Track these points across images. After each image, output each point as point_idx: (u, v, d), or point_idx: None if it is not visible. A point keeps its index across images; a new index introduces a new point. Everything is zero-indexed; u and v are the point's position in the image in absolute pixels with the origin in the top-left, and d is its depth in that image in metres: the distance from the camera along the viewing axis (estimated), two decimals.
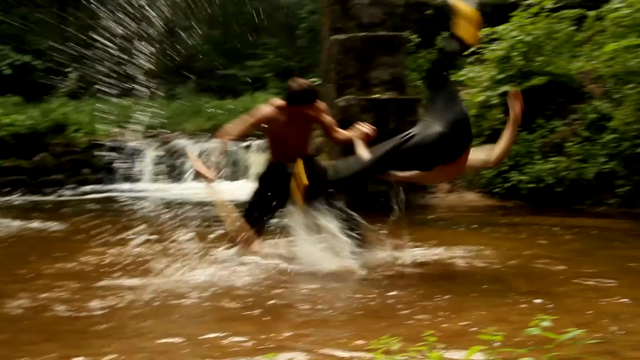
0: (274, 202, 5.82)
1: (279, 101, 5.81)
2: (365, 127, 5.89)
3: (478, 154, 5.49)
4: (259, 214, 5.80)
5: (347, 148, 9.05)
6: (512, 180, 10.47)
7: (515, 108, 5.25)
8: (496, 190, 10.77)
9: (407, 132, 5.25)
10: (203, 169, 5.70)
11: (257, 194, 5.95)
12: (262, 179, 6.03)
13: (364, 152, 5.62)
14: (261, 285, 4.85)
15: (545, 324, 2.15)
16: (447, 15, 14.14)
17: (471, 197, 11.09)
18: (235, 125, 5.83)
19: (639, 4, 9.09)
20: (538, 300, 4.37)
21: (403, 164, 5.29)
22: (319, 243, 5.91)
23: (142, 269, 5.39)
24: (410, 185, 10.52)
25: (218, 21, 22.02)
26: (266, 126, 5.79)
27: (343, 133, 6.04)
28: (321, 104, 5.90)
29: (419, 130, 5.21)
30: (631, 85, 9.93)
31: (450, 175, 5.58)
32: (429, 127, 5.16)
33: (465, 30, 5.27)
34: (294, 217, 5.77)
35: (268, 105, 5.83)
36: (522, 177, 10.35)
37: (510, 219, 8.85)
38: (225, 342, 3.50)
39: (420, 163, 5.24)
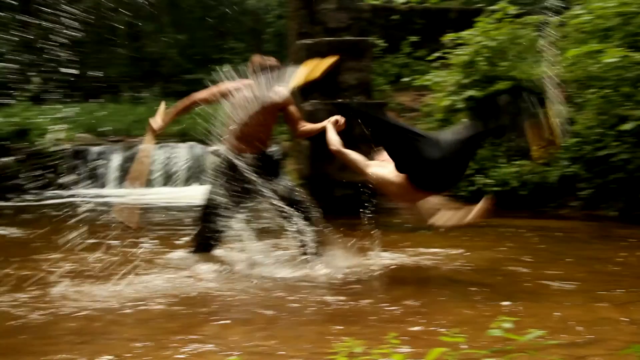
0: (231, 199, 5.75)
1: (246, 80, 5.79)
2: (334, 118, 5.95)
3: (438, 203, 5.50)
4: (217, 213, 5.74)
5: (314, 148, 9.09)
6: (477, 184, 10.56)
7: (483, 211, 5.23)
8: (461, 193, 10.85)
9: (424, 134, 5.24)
10: (155, 121, 5.87)
11: (213, 190, 5.87)
12: (218, 173, 5.92)
13: (334, 137, 5.67)
14: (225, 291, 4.82)
15: (507, 325, 2.17)
16: (412, 20, 14.19)
17: (437, 201, 11.15)
18: (201, 92, 5.90)
19: (599, 10, 9.23)
20: (504, 303, 4.41)
21: (396, 149, 5.26)
22: (275, 247, 5.94)
23: (102, 275, 5.32)
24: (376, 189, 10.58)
25: (184, 25, 21.92)
26: (230, 99, 5.77)
27: (308, 125, 6.05)
28: (287, 94, 5.88)
29: (432, 137, 5.22)
30: (592, 90, 10.08)
31: (406, 198, 5.53)
32: (436, 143, 5.15)
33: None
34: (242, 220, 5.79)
35: (231, 81, 5.83)
36: (488, 181, 10.45)
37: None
38: (188, 347, 3.48)
39: (404, 163, 5.21)
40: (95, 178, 13.94)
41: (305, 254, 5.71)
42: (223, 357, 3.08)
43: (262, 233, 6.40)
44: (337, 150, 5.79)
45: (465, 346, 2.29)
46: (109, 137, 15.75)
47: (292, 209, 5.70)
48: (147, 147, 6.06)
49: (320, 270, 5.43)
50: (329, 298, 4.59)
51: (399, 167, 5.25)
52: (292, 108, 5.98)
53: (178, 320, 4.03)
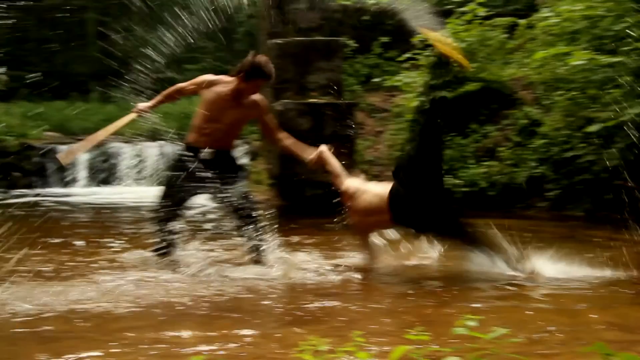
0: (184, 194, 5.74)
1: (227, 77, 5.76)
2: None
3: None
4: (171, 207, 5.73)
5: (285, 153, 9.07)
6: (446, 184, 10.62)
7: None
8: None
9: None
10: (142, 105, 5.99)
11: (171, 179, 5.84)
12: (177, 162, 5.90)
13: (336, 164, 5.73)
14: (185, 292, 4.77)
15: (472, 323, 2.19)
16: (383, 21, 14.27)
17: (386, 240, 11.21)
18: (182, 84, 5.92)
19: (567, 13, 9.35)
20: (470, 303, 4.45)
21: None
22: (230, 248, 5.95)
23: (64, 275, 5.25)
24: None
25: (154, 24, 21.75)
26: (203, 95, 5.74)
27: (284, 136, 6.05)
28: (263, 101, 5.87)
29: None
30: (560, 92, 10.21)
31: (368, 222, 5.58)
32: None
33: (448, 52, 5.46)
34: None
35: (214, 75, 5.82)
36: (456, 181, 10.52)
37: None
38: (152, 349, 3.46)
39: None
40: (63, 177, 13.79)
41: (256, 256, 5.73)
42: (187, 356, 3.07)
43: (218, 233, 6.43)
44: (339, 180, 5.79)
45: (430, 344, 2.31)
46: (78, 136, 15.59)
47: (238, 214, 5.72)
48: (120, 121, 6.10)
49: (279, 271, 5.41)
50: (292, 299, 4.58)
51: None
52: (268, 117, 5.96)
53: (140, 322, 3.98)
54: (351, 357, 2.07)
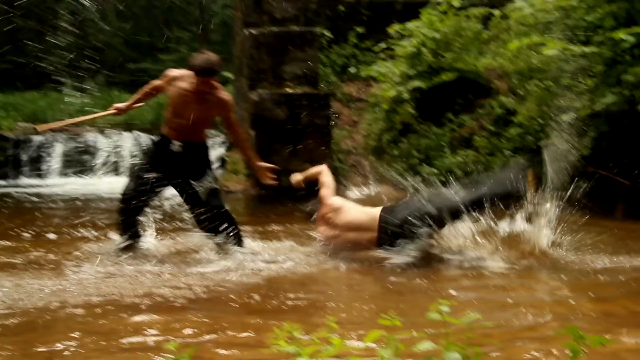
0: (155, 180, 5.72)
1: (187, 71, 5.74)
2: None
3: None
4: (139, 191, 5.71)
5: (261, 138, 9.04)
6: (422, 173, 10.68)
7: None
8: (407, 183, 10.97)
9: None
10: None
11: (140, 168, 5.87)
12: (148, 153, 5.99)
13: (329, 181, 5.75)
14: (156, 282, 4.74)
15: (445, 309, 2.21)
16: (358, 11, 14.21)
17: (383, 190, 11.27)
18: (156, 81, 5.94)
19: (540, 4, 9.41)
20: (444, 290, 4.48)
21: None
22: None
23: (34, 268, 5.19)
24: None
25: (129, 14, 21.60)
26: (170, 88, 5.73)
27: (245, 141, 6.04)
28: (229, 100, 5.84)
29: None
30: (534, 82, 10.29)
31: (345, 237, 5.60)
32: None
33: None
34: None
35: (179, 70, 5.81)
36: (433, 170, 10.57)
37: None
38: (126, 341, 3.46)
39: None
40: (38, 168, 13.64)
41: (223, 248, 5.75)
42: (160, 344, 3.06)
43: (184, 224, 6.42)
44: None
45: (404, 330, 2.33)
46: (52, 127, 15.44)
47: (201, 208, 5.73)
48: (99, 114, 6.25)
49: (251, 262, 5.41)
50: (267, 289, 4.56)
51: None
52: (233, 115, 5.91)
53: (113, 313, 3.95)
54: (325, 343, 2.08)
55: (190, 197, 5.78)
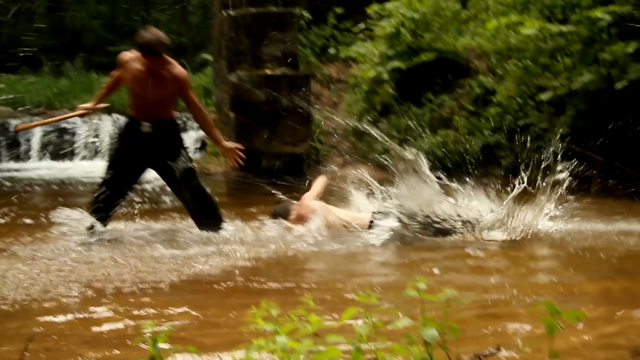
0: (132, 164, 5.72)
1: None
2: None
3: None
4: (116, 178, 5.69)
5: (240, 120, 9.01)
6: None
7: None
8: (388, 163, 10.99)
9: None
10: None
11: (116, 151, 5.88)
12: (120, 136, 5.95)
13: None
14: (136, 266, 4.71)
15: (422, 285, 2.23)
16: None
17: (364, 170, 11.29)
18: (114, 72, 5.88)
19: None
20: (421, 268, 4.50)
21: None
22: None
23: (8, 254, 5.15)
24: (303, 161, 10.64)
25: None
26: (126, 72, 5.68)
27: (206, 116, 5.94)
28: (183, 77, 5.74)
29: None
30: (512, 61, 10.34)
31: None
32: None
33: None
34: None
35: (130, 52, 5.75)
36: (413, 151, 10.59)
37: None
38: (105, 325, 3.46)
39: None
40: (16, 152, 13.50)
41: (202, 229, 5.75)
42: (139, 324, 3.06)
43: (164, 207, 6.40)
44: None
45: (380, 307, 2.36)
46: (30, 110, 15.30)
47: (180, 188, 5.75)
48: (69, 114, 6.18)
49: (229, 245, 5.41)
50: (245, 270, 4.55)
51: None
52: (191, 94, 5.79)
53: (92, 298, 3.93)
54: (303, 320, 2.10)
55: (168, 178, 5.78)
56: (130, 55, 5.68)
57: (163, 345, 1.99)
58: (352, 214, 5.67)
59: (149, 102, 5.62)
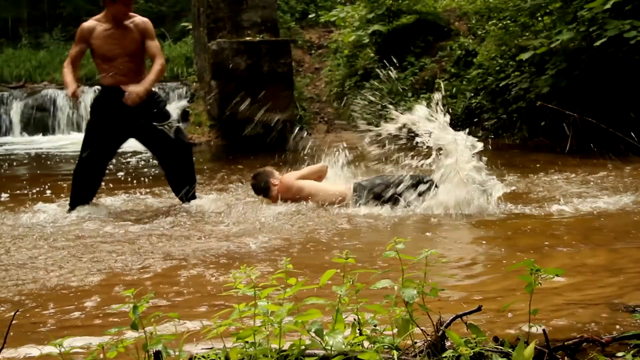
0: (113, 137, 5.66)
1: (94, 17, 5.64)
2: None
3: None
4: (95, 150, 5.60)
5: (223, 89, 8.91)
6: (386, 117, 10.71)
7: None
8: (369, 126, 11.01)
9: None
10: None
11: (91, 125, 5.74)
12: (94, 106, 5.78)
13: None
14: (120, 241, 4.67)
15: (400, 246, 2.25)
16: None
17: (348, 136, 11.30)
18: (70, 52, 5.71)
19: None
20: (401, 232, 4.50)
21: None
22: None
23: None
24: (286, 127, 10.62)
25: None
26: (90, 43, 5.58)
27: (163, 66, 5.73)
28: (147, 22, 5.71)
29: None
30: (493, 22, 10.32)
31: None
32: None
33: None
34: None
35: (84, 23, 5.65)
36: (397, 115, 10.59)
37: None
38: (88, 303, 3.48)
39: None
40: None
41: (189, 196, 5.75)
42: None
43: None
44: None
45: (360, 268, 2.38)
46: (9, 83, 15.16)
47: (171, 149, 5.68)
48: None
49: (214, 209, 5.40)
50: (227, 238, 4.52)
51: None
52: (153, 43, 5.64)
53: (78, 277, 3.92)
54: (281, 283, 2.12)
55: (157, 142, 5.70)
56: (91, 23, 5.61)
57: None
58: (334, 188, 5.56)
59: (122, 60, 5.55)
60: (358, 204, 5.32)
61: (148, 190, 6.55)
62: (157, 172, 7.61)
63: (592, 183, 6.19)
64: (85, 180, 5.65)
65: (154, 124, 5.63)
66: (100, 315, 3.03)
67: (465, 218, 4.87)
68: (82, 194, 5.64)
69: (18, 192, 6.73)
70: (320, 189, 5.53)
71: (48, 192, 6.62)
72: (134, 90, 5.42)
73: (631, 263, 3.65)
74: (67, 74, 5.61)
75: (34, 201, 5.93)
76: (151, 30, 5.72)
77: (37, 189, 6.72)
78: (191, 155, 5.84)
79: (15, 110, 13.45)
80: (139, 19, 5.67)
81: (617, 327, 2.60)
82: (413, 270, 2.24)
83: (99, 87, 5.87)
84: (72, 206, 5.60)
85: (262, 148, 9.48)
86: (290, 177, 5.61)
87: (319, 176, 5.77)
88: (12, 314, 2.48)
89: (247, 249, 4.17)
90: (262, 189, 5.69)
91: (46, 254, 4.21)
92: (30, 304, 3.25)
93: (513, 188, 5.96)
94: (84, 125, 13.29)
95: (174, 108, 11.86)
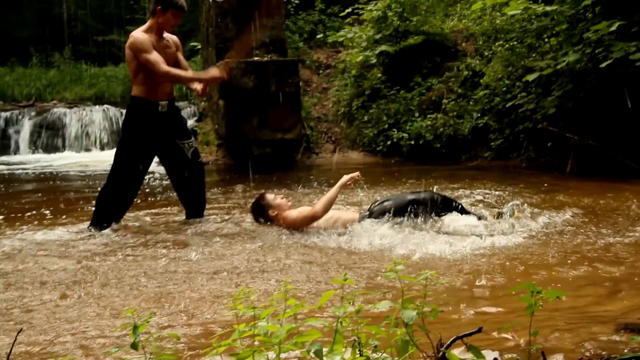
0: (148, 152, 5.64)
1: (139, 29, 5.56)
2: None
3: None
4: (133, 170, 5.57)
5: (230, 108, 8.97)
6: (393, 138, 10.75)
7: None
8: (379, 148, 11.05)
9: None
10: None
11: (131, 142, 5.59)
12: (135, 123, 5.61)
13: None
14: (120, 259, 4.73)
15: (400, 267, 2.27)
16: None
17: (355, 156, 11.34)
18: (156, 58, 5.43)
19: None
20: (398, 253, 4.46)
21: None
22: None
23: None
24: (293, 147, 10.66)
25: None
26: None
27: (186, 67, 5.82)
28: (178, 41, 5.80)
29: None
30: (499, 42, 10.36)
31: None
32: None
33: None
34: None
35: (137, 34, 5.49)
36: (403, 135, 10.64)
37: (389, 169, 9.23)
38: (86, 308, 3.49)
39: None
40: (6, 144, 13.46)
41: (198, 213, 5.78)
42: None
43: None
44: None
45: (359, 289, 2.39)
46: (20, 103, 15.28)
47: (187, 168, 5.72)
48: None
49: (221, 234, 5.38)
50: (227, 256, 4.52)
51: None
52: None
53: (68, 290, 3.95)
54: (281, 304, 2.13)
55: (174, 158, 5.71)
56: (143, 35, 5.47)
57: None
58: (341, 215, 5.44)
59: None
60: (363, 219, 5.24)
61: (154, 209, 6.55)
62: (160, 189, 7.67)
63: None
64: (118, 199, 5.61)
65: (177, 140, 5.67)
66: (97, 333, 3.04)
67: (469, 238, 4.84)
68: (111, 212, 5.59)
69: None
70: (326, 217, 5.30)
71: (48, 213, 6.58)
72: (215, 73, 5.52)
73: (633, 283, 3.63)
74: (180, 72, 5.59)
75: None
76: (180, 45, 5.84)
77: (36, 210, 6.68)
78: (204, 176, 5.87)
79: (25, 128, 13.54)
80: (173, 35, 5.73)
81: (621, 347, 2.60)
82: (413, 291, 2.25)
83: (139, 101, 5.58)
84: (99, 224, 5.53)
85: (269, 167, 9.51)
86: (292, 217, 5.32)
87: None
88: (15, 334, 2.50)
89: (247, 269, 4.16)
90: (263, 220, 5.50)
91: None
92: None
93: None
94: (92, 144, 13.42)
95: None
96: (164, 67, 5.42)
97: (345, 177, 5.28)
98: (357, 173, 5.40)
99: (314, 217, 5.18)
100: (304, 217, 5.20)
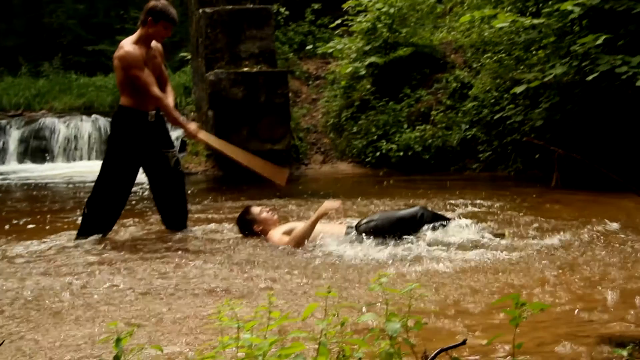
0: (136, 162, 5.61)
1: (129, 39, 5.50)
2: None
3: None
4: (121, 180, 5.55)
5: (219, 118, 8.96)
6: (382, 149, 10.77)
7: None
8: (367, 159, 11.06)
9: None
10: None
11: (119, 152, 5.56)
12: (123, 132, 5.58)
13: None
14: (112, 271, 4.69)
15: (384, 280, 2.28)
16: None
17: (344, 167, 11.35)
18: (147, 78, 5.44)
19: None
20: (383, 267, 4.44)
21: None
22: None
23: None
24: (282, 158, 10.66)
25: None
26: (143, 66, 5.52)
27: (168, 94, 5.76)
28: (162, 50, 5.77)
29: None
30: (488, 55, 10.42)
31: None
32: None
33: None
34: None
35: (128, 46, 5.43)
36: (392, 146, 10.66)
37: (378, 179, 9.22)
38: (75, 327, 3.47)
39: None
40: None
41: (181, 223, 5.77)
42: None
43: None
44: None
45: (343, 301, 2.40)
46: (8, 112, 15.22)
47: (169, 178, 5.72)
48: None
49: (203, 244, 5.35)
50: (211, 270, 4.49)
51: None
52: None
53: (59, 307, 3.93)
54: (265, 316, 2.14)
55: (158, 170, 5.69)
56: (133, 47, 5.42)
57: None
58: (328, 229, 5.38)
59: (157, 85, 5.55)
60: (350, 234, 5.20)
61: (136, 219, 6.50)
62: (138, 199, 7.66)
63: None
64: (107, 210, 5.57)
65: (162, 150, 5.67)
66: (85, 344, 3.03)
67: (456, 253, 4.83)
68: (100, 224, 5.55)
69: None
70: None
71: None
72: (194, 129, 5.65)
73: (618, 297, 3.64)
74: (169, 105, 5.57)
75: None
76: (163, 52, 5.81)
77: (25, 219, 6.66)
78: (184, 186, 5.88)
79: (13, 138, 13.48)
80: (153, 42, 5.65)
81: None
82: (397, 304, 2.25)
83: (129, 111, 5.56)
84: (85, 235, 5.48)
85: (257, 178, 9.47)
86: (274, 240, 5.24)
87: None
88: None
89: (231, 282, 4.14)
90: (248, 233, 5.46)
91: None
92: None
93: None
94: (81, 154, 13.37)
95: (172, 138, 11.88)
96: (156, 91, 5.46)
97: (323, 207, 5.08)
98: (339, 203, 5.26)
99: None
100: (283, 244, 5.13)
